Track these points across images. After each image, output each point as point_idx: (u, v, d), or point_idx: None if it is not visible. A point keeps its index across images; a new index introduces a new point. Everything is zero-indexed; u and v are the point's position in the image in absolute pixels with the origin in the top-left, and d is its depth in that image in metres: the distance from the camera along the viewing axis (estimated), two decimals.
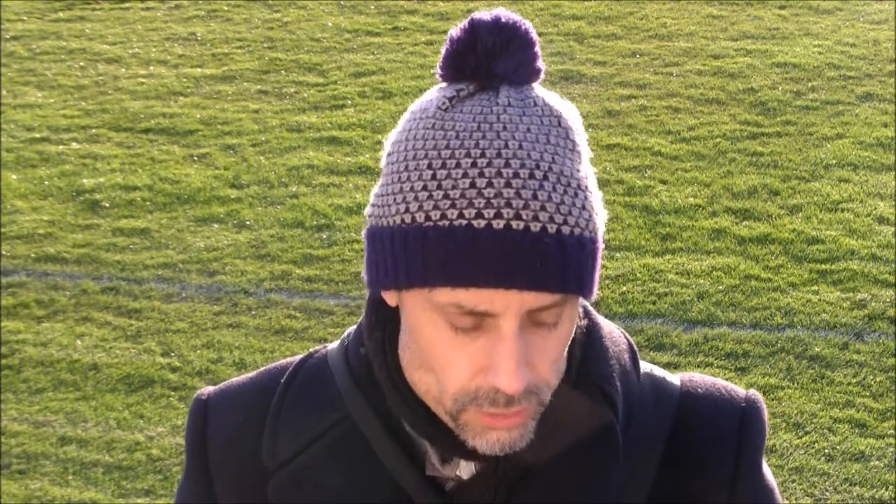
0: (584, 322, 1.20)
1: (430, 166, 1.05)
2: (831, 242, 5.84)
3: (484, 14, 1.08)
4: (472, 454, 1.12)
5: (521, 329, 1.04)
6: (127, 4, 9.84)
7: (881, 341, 5.08)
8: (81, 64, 8.64)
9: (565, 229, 1.03)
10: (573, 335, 1.15)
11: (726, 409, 1.22)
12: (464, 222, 1.02)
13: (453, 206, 1.03)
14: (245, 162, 6.97)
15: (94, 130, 7.51)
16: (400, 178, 1.07)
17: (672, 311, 5.32)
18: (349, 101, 7.76)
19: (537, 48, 1.09)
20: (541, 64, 1.10)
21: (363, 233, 1.12)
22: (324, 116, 7.57)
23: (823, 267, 5.65)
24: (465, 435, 1.09)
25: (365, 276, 1.12)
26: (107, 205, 6.52)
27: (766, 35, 8.65)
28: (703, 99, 7.58)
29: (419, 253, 1.04)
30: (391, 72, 8.23)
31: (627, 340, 1.25)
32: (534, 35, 1.09)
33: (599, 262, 1.09)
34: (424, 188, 1.04)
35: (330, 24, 9.17)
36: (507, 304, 1.03)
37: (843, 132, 7.06)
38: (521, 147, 1.04)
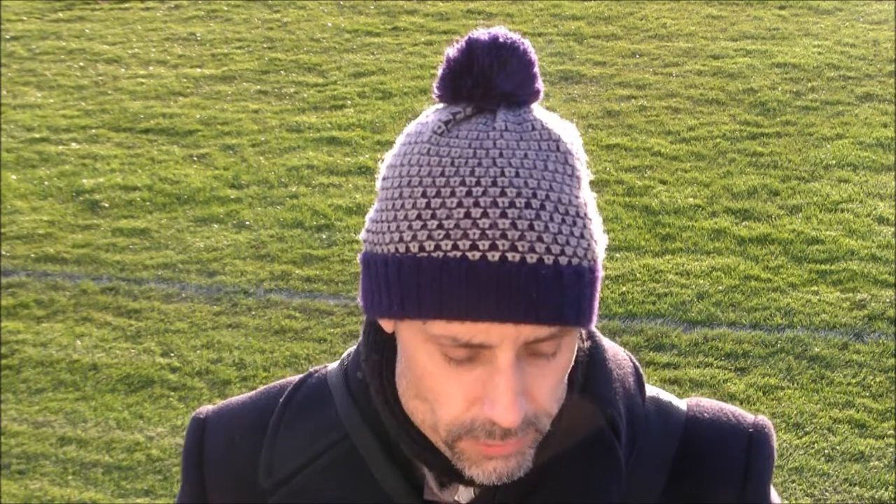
0: (587, 344, 1.18)
1: (424, 194, 1.02)
2: (831, 243, 5.84)
3: (481, 33, 1.06)
4: (470, 480, 1.11)
5: (517, 359, 1.03)
6: (127, 4, 9.84)
7: (881, 341, 5.08)
8: (81, 64, 8.64)
9: (562, 259, 1.01)
10: (575, 358, 1.14)
11: (733, 434, 1.20)
12: (458, 254, 1.00)
13: (447, 236, 1.01)
14: (245, 162, 6.97)
15: (93, 130, 7.51)
16: (394, 205, 1.05)
17: (672, 311, 5.32)
18: (349, 102, 7.76)
19: (536, 69, 1.07)
20: (540, 85, 1.07)
21: (359, 257, 1.10)
22: (323, 116, 7.56)
23: (823, 267, 5.65)
24: (462, 463, 1.07)
25: (361, 302, 1.11)
26: (106, 205, 6.51)
27: (765, 35, 8.65)
28: (703, 99, 7.58)
29: (413, 284, 1.02)
30: (391, 72, 8.23)
31: (633, 363, 1.23)
32: (532, 55, 1.07)
33: (598, 290, 1.07)
34: (419, 217, 1.02)
35: (330, 25, 9.17)
36: (504, 336, 1.01)
37: (842, 132, 7.06)
38: (517, 175, 1.01)
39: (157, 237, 6.16)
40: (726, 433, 1.20)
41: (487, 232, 1.00)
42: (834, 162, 6.70)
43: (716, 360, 4.96)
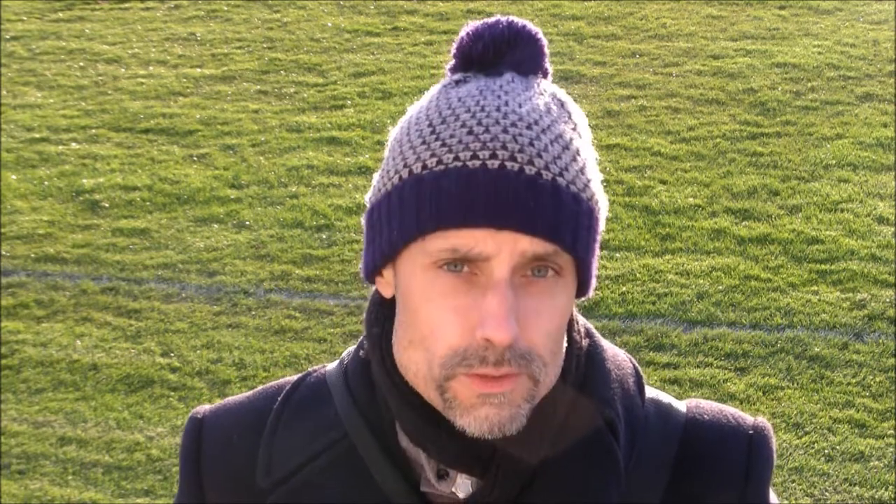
0: (585, 342, 1.18)
1: (430, 124, 1.07)
2: (831, 242, 5.84)
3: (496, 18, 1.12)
4: (466, 461, 1.10)
5: (513, 285, 1.03)
6: (127, 4, 9.84)
7: (881, 341, 5.08)
8: (81, 64, 8.64)
9: (560, 181, 1.04)
10: (574, 356, 1.14)
11: (733, 436, 1.20)
12: (458, 164, 1.03)
13: (449, 150, 1.04)
14: (245, 162, 6.97)
15: (94, 130, 7.51)
16: (400, 142, 1.09)
17: (672, 311, 5.32)
18: (349, 102, 7.76)
19: (545, 49, 1.12)
20: (548, 65, 1.12)
21: (362, 219, 1.12)
22: (323, 116, 7.57)
23: (823, 267, 5.65)
24: (455, 413, 1.06)
25: (362, 267, 1.12)
26: (107, 205, 6.52)
27: (765, 35, 8.65)
28: (703, 99, 7.58)
29: (413, 201, 1.04)
30: (391, 72, 8.23)
31: (633, 365, 1.23)
32: (542, 38, 1.12)
33: (597, 235, 1.08)
34: (423, 142, 1.06)
35: (330, 24, 9.17)
36: (501, 245, 1.02)
37: (842, 132, 7.06)
38: (520, 106, 1.05)
39: (157, 237, 6.16)
40: (726, 435, 1.20)
41: (488, 144, 1.03)
42: (834, 162, 6.70)
43: (716, 360, 4.96)
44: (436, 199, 1.03)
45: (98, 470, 4.45)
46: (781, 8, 9.23)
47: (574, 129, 1.08)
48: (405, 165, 1.06)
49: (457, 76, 1.11)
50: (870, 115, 7.28)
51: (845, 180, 6.49)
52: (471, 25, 1.12)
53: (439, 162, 1.04)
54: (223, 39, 8.99)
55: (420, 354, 1.08)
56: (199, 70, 8.42)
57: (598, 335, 1.21)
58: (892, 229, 5.97)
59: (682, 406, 1.23)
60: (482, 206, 1.01)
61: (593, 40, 8.65)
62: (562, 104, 1.09)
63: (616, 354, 1.22)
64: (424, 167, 1.04)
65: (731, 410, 1.23)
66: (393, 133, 1.12)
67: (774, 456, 1.22)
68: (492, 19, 1.11)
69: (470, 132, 1.04)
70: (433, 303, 1.05)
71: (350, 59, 8.51)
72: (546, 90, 1.10)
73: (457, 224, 1.02)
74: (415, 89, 7.83)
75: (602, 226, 1.10)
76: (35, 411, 4.80)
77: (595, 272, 1.11)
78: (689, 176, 6.58)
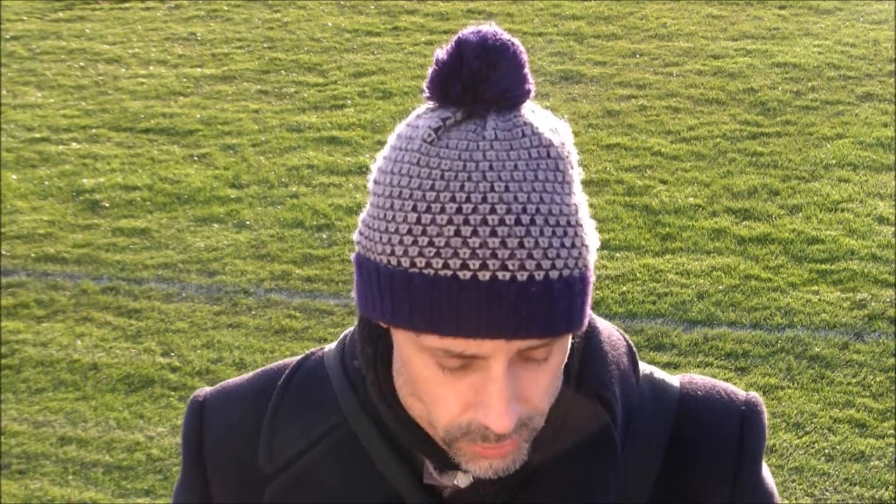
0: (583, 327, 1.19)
1: (414, 208, 1.01)
2: (831, 242, 5.84)
3: (471, 34, 1.05)
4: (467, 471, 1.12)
5: (510, 366, 1.03)
6: (127, 4, 9.84)
7: (881, 341, 5.08)
8: (81, 64, 8.64)
9: (553, 273, 1.01)
10: (571, 345, 1.14)
11: (726, 411, 1.22)
12: (448, 273, 0.99)
13: (438, 254, 1.00)
14: (245, 162, 6.97)
15: (94, 130, 7.51)
16: (385, 215, 1.03)
17: (672, 311, 5.32)
18: (349, 101, 7.76)
19: (526, 69, 1.05)
20: (530, 85, 1.06)
21: (353, 256, 1.10)
22: (324, 116, 7.57)
23: (823, 267, 5.65)
24: (459, 458, 1.09)
25: (355, 299, 1.10)
26: (107, 205, 6.52)
27: (766, 35, 8.65)
28: (703, 99, 7.58)
29: (405, 298, 1.02)
30: (391, 72, 8.23)
31: (627, 343, 1.24)
32: (523, 56, 1.05)
33: (591, 293, 1.07)
34: (409, 232, 1.01)
35: (330, 24, 9.17)
36: (496, 348, 1.02)
37: (843, 132, 7.06)
38: (507, 189, 1.00)
39: (157, 237, 6.16)
40: (719, 410, 1.22)
41: (478, 251, 0.99)
42: (834, 162, 6.70)
43: (716, 359, 4.96)
44: (427, 308, 1.01)
45: (98, 470, 4.45)
46: (781, 8, 9.23)
47: (563, 182, 1.04)
48: (392, 252, 1.02)
49: (435, 122, 1.04)
50: (870, 115, 7.28)
51: (845, 180, 6.49)
52: (445, 52, 1.06)
53: (427, 265, 1.00)
54: (223, 39, 8.99)
55: (424, 407, 1.09)
56: (199, 70, 8.42)
57: (593, 315, 1.21)
58: (892, 229, 5.97)
59: (675, 381, 1.24)
60: (475, 322, 1.00)
61: (593, 40, 8.65)
62: (548, 152, 1.03)
63: (611, 333, 1.23)
64: (413, 265, 1.01)
65: (723, 385, 1.24)
66: (376, 174, 1.07)
67: (766, 430, 1.24)
68: (469, 41, 1.04)
69: (457, 233, 0.99)
70: (432, 383, 1.06)
71: (350, 58, 8.51)
72: (532, 139, 1.03)
73: (450, 334, 1.01)
74: (415, 89, 7.83)
75: (594, 269, 1.08)
76: (35, 411, 4.80)
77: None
78: (690, 176, 6.58)
